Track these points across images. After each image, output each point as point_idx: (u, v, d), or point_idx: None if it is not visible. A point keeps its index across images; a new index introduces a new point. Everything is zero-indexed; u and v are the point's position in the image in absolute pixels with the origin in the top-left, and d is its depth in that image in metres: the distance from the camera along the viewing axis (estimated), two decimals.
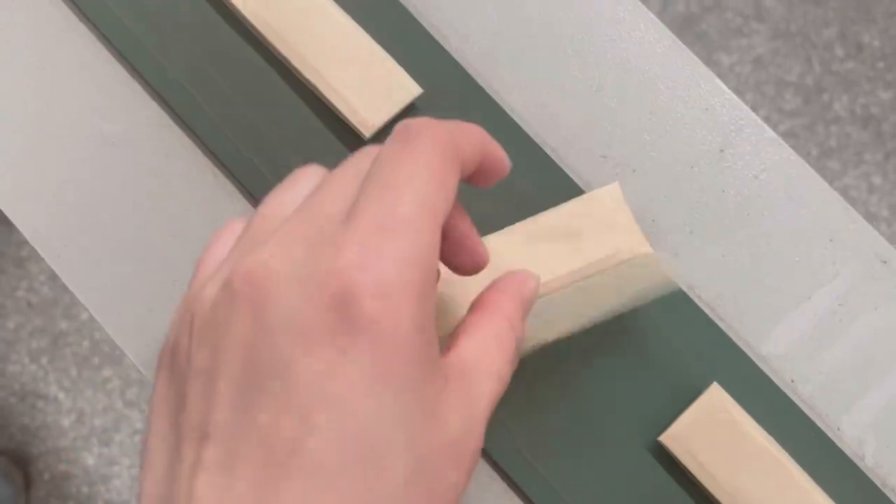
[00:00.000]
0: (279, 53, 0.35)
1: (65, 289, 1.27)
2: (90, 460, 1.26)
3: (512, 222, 0.34)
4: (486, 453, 0.34)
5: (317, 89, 0.35)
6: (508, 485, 0.33)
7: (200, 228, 0.35)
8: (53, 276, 1.30)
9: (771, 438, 0.33)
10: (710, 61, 1.37)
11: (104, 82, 0.36)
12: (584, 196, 0.34)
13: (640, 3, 0.37)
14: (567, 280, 0.32)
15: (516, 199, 0.35)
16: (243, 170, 0.35)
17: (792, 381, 0.34)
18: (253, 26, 0.35)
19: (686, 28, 1.36)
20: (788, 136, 1.35)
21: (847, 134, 1.40)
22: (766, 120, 1.40)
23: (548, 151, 0.36)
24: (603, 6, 0.37)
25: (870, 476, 0.33)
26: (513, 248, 0.32)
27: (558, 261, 0.32)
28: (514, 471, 0.33)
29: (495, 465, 0.33)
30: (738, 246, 0.35)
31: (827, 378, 0.34)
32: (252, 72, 0.36)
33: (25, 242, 1.28)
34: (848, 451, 0.34)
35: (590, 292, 0.32)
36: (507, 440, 0.33)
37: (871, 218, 1.30)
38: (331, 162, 0.34)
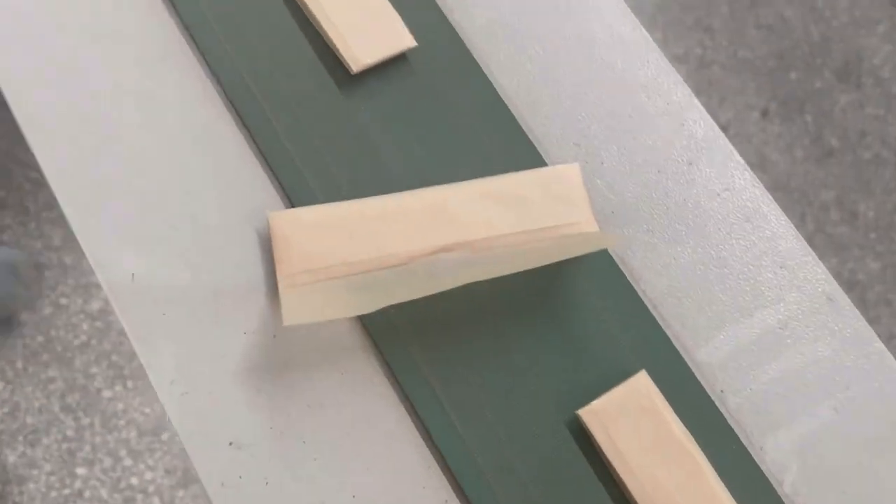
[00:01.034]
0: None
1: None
2: (11, 458, 1.21)
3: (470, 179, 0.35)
4: (408, 401, 0.33)
5: (318, 22, 0.36)
6: (414, 423, 0.32)
7: (190, 146, 0.36)
8: None
9: (689, 435, 0.32)
10: None
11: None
12: (543, 168, 0.35)
13: (642, 29, 0.39)
14: (506, 241, 0.33)
15: (481, 161, 0.36)
16: (236, 87, 0.36)
17: (721, 392, 0.34)
18: None
19: None
20: None
21: None
22: None
23: (525, 129, 0.37)
24: (607, 19, 0.39)
25: (785, 502, 0.32)
26: (463, 202, 0.33)
27: (503, 221, 0.33)
28: (423, 408, 0.32)
29: (414, 414, 0.33)
30: (691, 253, 0.36)
31: (757, 396, 0.34)
32: (264, 1, 0.37)
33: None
34: (768, 473, 0.33)
35: (524, 256, 0.33)
36: (419, 378, 0.32)
37: None
38: (315, 90, 0.36)
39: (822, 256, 1.42)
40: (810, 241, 1.42)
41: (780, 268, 0.36)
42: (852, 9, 1.55)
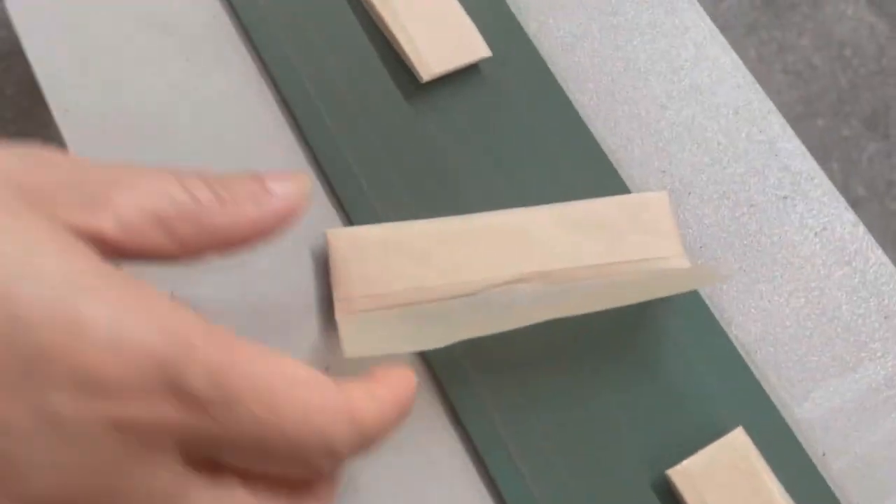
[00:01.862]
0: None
1: None
2: None
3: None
4: (473, 449, 0.29)
5: (386, 26, 0.33)
6: (479, 472, 0.29)
7: (242, 154, 0.32)
8: None
9: (791, 501, 0.28)
10: None
11: None
12: (629, 195, 0.32)
13: (729, 47, 0.36)
14: (589, 273, 0.30)
15: (557, 182, 0.32)
16: (293, 86, 0.33)
17: (823, 455, 0.30)
18: None
19: None
20: None
21: None
22: None
23: (605, 151, 0.34)
24: (696, 38, 0.36)
25: None
26: (542, 227, 0.30)
27: (586, 251, 0.30)
28: (489, 457, 0.28)
29: (479, 462, 0.29)
30: (788, 296, 0.32)
31: (862, 460, 0.30)
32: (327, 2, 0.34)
33: None
34: None
35: (608, 291, 0.29)
36: (486, 423, 0.29)
37: None
38: (380, 98, 0.32)
39: None
40: None
41: (885, 318, 0.32)
42: (880, 58, 1.54)
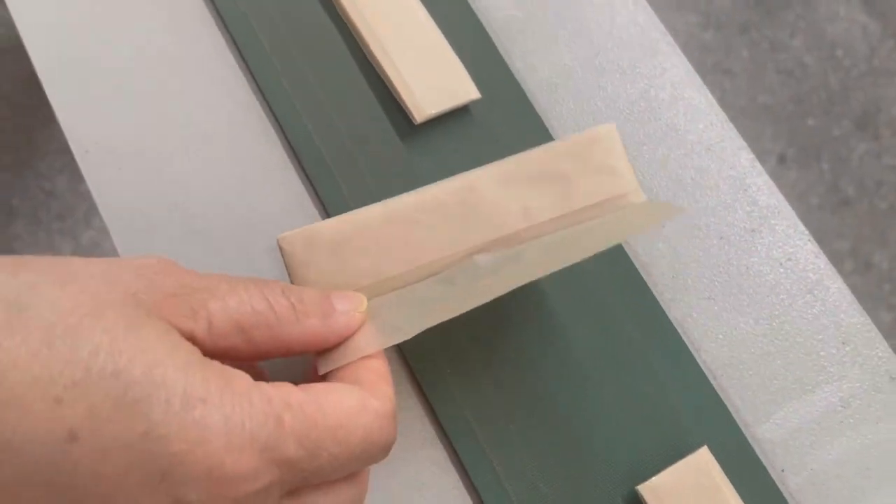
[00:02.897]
0: (356, 31, 0.36)
1: None
2: None
3: None
4: (460, 465, 0.32)
5: (383, 70, 0.35)
6: (467, 489, 0.31)
7: (244, 189, 0.35)
8: None
9: None
10: None
11: (192, 26, 0.37)
12: (574, 135, 0.30)
13: (704, 87, 0.39)
14: (547, 228, 0.29)
15: None
16: (292, 125, 0.35)
17: (782, 471, 0.33)
18: (341, 6, 0.36)
19: None
20: None
21: None
22: None
23: None
24: (673, 79, 0.38)
25: None
26: (490, 190, 0.29)
27: (540, 206, 0.29)
28: (479, 480, 0.31)
29: (465, 477, 0.32)
30: (753, 323, 0.35)
31: (818, 477, 0.33)
32: (326, 44, 0.37)
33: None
34: None
35: (570, 241, 0.28)
36: (474, 445, 0.31)
37: None
38: (376, 138, 0.35)
39: None
40: None
41: (843, 343, 0.35)
42: (872, 58, 1.56)
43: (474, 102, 0.36)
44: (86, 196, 1.29)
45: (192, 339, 0.23)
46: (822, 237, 1.44)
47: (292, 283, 0.28)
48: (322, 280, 0.28)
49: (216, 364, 0.22)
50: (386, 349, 0.27)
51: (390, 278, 0.28)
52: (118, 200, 0.34)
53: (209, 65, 0.37)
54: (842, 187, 1.49)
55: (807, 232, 0.37)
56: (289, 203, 0.35)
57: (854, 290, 1.48)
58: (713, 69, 1.50)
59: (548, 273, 0.27)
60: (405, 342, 0.32)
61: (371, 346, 0.26)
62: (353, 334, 0.26)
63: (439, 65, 0.36)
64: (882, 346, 0.35)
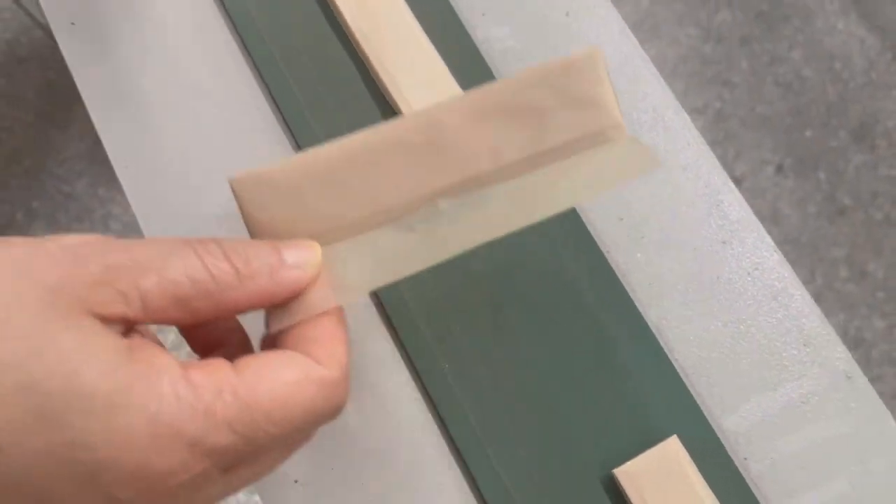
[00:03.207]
0: (363, 53, 0.40)
1: None
2: None
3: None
4: (456, 450, 0.36)
5: (386, 89, 0.39)
6: (462, 472, 0.35)
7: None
8: None
9: (715, 499, 0.35)
10: None
11: (213, 38, 0.41)
12: (552, 60, 0.27)
13: (683, 112, 0.42)
14: (518, 169, 0.26)
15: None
16: (298, 123, 0.39)
17: (745, 459, 0.37)
18: (351, 31, 0.40)
19: None
20: None
21: None
22: None
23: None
24: (653, 102, 0.42)
25: None
26: (458, 125, 0.26)
27: (510, 145, 0.26)
28: (472, 462, 0.35)
29: (461, 462, 0.35)
30: (722, 326, 0.39)
31: (777, 466, 0.37)
32: (336, 61, 0.41)
33: None
34: None
35: (540, 190, 0.26)
36: (470, 430, 0.35)
37: None
38: None
39: (829, 313, 1.44)
40: (818, 296, 1.45)
41: (804, 345, 0.39)
42: (870, 71, 1.59)
43: None
44: (103, 199, 1.33)
45: (125, 321, 0.22)
46: (818, 245, 1.47)
47: (247, 226, 0.26)
48: (277, 224, 0.26)
49: (142, 361, 0.21)
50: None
51: (349, 223, 0.26)
52: (156, 211, 0.38)
53: (239, 95, 0.41)
54: (838, 197, 1.52)
55: (773, 244, 0.40)
56: None
57: (849, 297, 1.51)
58: (713, 80, 1.54)
59: (514, 229, 0.25)
60: (409, 343, 0.36)
61: (324, 303, 0.24)
62: (305, 289, 0.24)
63: (437, 85, 0.40)
64: (840, 348, 0.39)
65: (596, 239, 0.39)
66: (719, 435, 0.37)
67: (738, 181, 1.52)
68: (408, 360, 0.37)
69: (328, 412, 0.23)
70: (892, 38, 1.59)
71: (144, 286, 0.22)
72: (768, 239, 0.41)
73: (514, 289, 0.38)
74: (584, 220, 0.40)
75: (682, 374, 0.38)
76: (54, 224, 1.34)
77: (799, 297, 0.40)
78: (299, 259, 0.24)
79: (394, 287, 0.37)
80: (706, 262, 0.40)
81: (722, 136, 1.53)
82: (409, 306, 0.37)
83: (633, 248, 0.40)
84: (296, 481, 0.34)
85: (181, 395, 0.21)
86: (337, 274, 0.25)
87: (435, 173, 0.26)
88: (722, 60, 1.57)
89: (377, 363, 0.37)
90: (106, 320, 0.21)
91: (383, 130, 0.26)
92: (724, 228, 0.40)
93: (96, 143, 1.35)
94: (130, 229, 1.29)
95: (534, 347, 0.37)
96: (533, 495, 0.35)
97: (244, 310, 0.24)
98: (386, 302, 0.37)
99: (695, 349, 0.38)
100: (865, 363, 1.42)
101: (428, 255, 0.25)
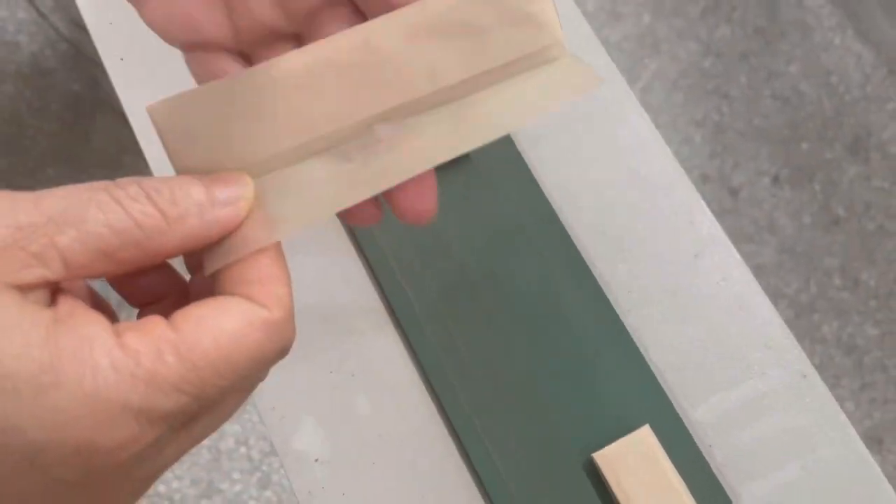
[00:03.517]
0: None
1: None
2: None
3: (479, 217, 0.43)
4: (459, 441, 0.41)
5: None
6: (460, 454, 0.40)
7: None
8: None
9: (682, 482, 0.40)
10: None
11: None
12: None
13: (665, 146, 0.48)
14: (457, 92, 0.25)
15: (519, 240, 0.44)
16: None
17: (710, 447, 0.42)
18: None
19: None
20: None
21: (830, 356, 1.48)
22: None
23: (561, 219, 0.45)
24: (634, 127, 0.48)
25: None
26: (391, 46, 0.24)
27: (447, 66, 0.25)
28: (469, 445, 0.40)
29: (452, 430, 0.41)
30: (693, 330, 0.44)
31: (739, 452, 0.42)
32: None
33: None
34: None
35: (479, 111, 0.25)
36: (468, 419, 0.41)
37: None
38: None
39: (823, 320, 1.49)
40: (812, 304, 1.49)
41: (766, 348, 0.44)
42: (865, 85, 1.63)
43: (475, 151, 0.45)
44: None
45: (46, 284, 0.20)
46: (812, 254, 1.52)
47: (170, 159, 0.24)
48: (202, 155, 0.24)
49: (69, 332, 0.19)
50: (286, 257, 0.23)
51: (281, 152, 0.25)
52: None
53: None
54: (833, 207, 1.56)
55: (740, 258, 0.45)
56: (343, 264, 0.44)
57: (842, 304, 1.55)
58: (712, 93, 1.58)
59: (456, 154, 0.24)
60: (415, 343, 0.42)
61: (260, 239, 0.23)
62: (239, 227, 0.23)
63: None
64: (797, 350, 0.44)
65: (581, 251, 0.44)
66: (687, 425, 0.42)
67: (735, 191, 1.56)
68: (414, 357, 0.42)
69: (276, 354, 0.22)
70: (886, 53, 1.63)
71: (62, 243, 0.20)
72: (736, 254, 0.46)
73: (507, 297, 0.43)
74: (570, 234, 0.45)
75: (655, 372, 0.43)
76: None
77: (763, 306, 0.45)
78: (231, 195, 0.23)
79: (403, 292, 0.42)
80: (680, 273, 0.45)
81: (720, 147, 1.58)
82: (415, 310, 0.42)
83: (615, 259, 0.45)
84: (316, 460, 0.39)
85: (118, 364, 0.19)
86: (272, 208, 0.24)
87: (370, 97, 0.25)
88: (721, 74, 1.62)
89: (387, 359, 0.42)
90: (24, 288, 0.19)
91: (311, 50, 0.25)
92: (697, 242, 0.46)
93: (118, 151, 1.40)
94: None
95: (524, 348, 0.42)
96: (522, 474, 0.40)
97: (175, 254, 0.22)
98: (395, 305, 0.42)
99: (668, 350, 0.43)
100: (858, 369, 1.46)
101: (366, 186, 0.24)
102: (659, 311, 0.44)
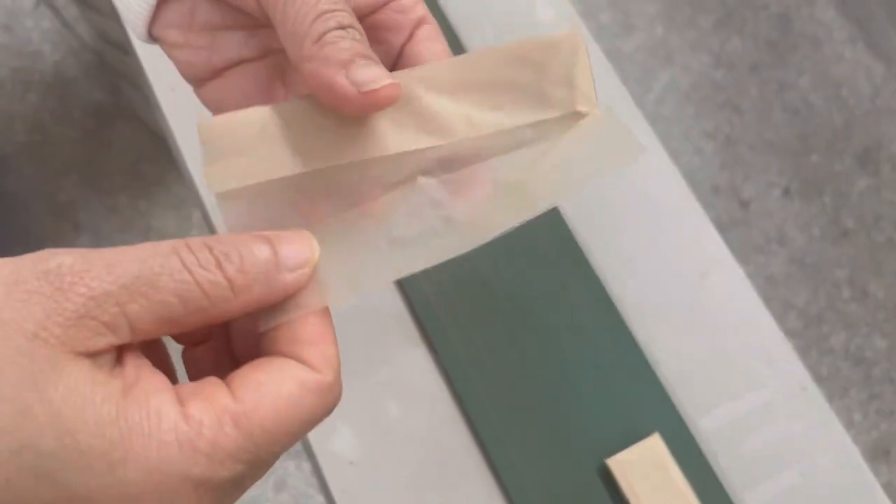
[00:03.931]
0: None
1: None
2: None
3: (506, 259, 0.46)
4: (481, 443, 0.44)
5: None
6: (483, 457, 0.44)
7: None
8: None
9: (690, 488, 0.43)
10: None
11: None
12: (529, 39, 0.26)
13: (674, 167, 0.51)
14: (495, 141, 0.25)
15: (541, 269, 0.47)
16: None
17: (715, 453, 0.45)
18: None
19: None
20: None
21: (838, 367, 1.49)
22: None
23: (580, 245, 0.48)
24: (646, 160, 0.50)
25: None
26: (431, 98, 0.25)
27: (484, 117, 0.25)
28: (492, 448, 0.43)
29: (475, 434, 0.44)
30: (700, 344, 0.47)
31: (742, 459, 0.45)
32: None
33: None
34: None
35: (527, 184, 0.25)
36: (489, 422, 0.44)
37: None
38: None
39: (831, 331, 1.50)
40: (821, 315, 1.51)
41: (768, 361, 0.47)
42: (875, 98, 1.64)
43: None
44: (143, 212, 1.42)
45: (112, 349, 0.21)
46: (821, 266, 1.53)
47: (205, 174, 0.25)
48: (244, 170, 0.24)
49: (136, 405, 0.20)
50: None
51: (321, 171, 0.25)
52: None
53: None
54: (842, 220, 1.58)
55: (745, 276, 0.48)
56: None
57: (851, 316, 1.57)
58: (724, 106, 1.61)
59: (505, 230, 0.24)
60: (442, 353, 0.45)
61: (314, 304, 0.23)
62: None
63: None
64: (798, 363, 0.47)
65: (595, 270, 0.47)
66: (694, 433, 0.45)
67: (745, 203, 1.58)
68: (441, 367, 0.45)
69: (325, 414, 0.23)
70: None
71: (132, 312, 0.20)
72: (741, 271, 0.49)
73: (527, 311, 0.46)
74: (584, 252, 0.48)
75: (664, 383, 0.46)
76: (98, 235, 1.42)
77: (765, 322, 0.47)
78: (298, 260, 0.23)
79: (431, 306, 0.45)
80: (687, 290, 0.48)
81: (731, 159, 1.59)
82: (443, 323, 0.45)
83: (626, 277, 0.48)
84: (351, 462, 0.42)
85: (182, 439, 0.20)
86: (326, 269, 0.24)
87: (411, 132, 0.25)
88: (732, 87, 1.64)
89: (415, 368, 0.45)
90: (93, 355, 0.20)
91: None
92: (704, 261, 0.49)
93: (138, 159, 1.43)
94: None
95: (543, 360, 0.45)
96: (541, 476, 0.43)
97: (237, 318, 0.22)
98: (423, 319, 0.46)
99: (675, 362, 0.46)
100: (866, 381, 1.48)
101: (423, 260, 0.25)
102: (668, 326, 0.47)
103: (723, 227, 1.53)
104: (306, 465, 1.18)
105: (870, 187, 1.58)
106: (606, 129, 0.25)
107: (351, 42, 0.23)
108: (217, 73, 0.27)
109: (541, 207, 0.24)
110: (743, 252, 1.51)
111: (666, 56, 1.64)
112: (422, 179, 0.25)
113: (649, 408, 0.45)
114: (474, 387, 0.44)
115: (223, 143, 0.24)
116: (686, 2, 1.69)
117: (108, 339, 0.20)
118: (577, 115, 0.25)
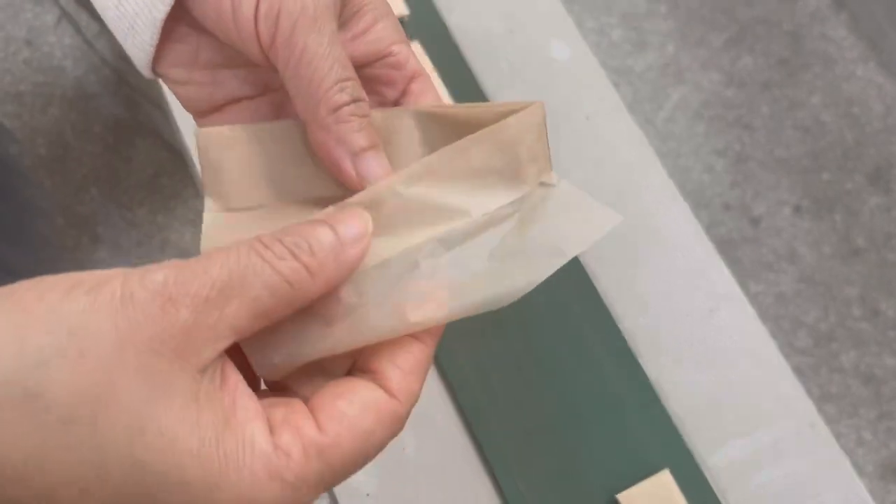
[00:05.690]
0: None
1: None
2: None
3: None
4: (490, 471, 0.45)
5: None
6: (495, 489, 0.45)
7: None
8: None
9: None
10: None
11: None
12: (499, 107, 0.26)
13: (685, 204, 0.52)
14: (483, 219, 0.26)
15: (548, 299, 0.48)
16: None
17: (724, 490, 0.46)
18: None
19: (723, 251, 1.51)
20: (793, 370, 1.46)
21: (848, 385, 1.49)
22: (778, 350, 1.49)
23: (593, 281, 0.49)
24: (657, 195, 0.52)
25: None
26: (405, 193, 0.25)
27: (465, 200, 0.26)
28: (504, 481, 0.44)
29: (494, 481, 0.45)
30: (709, 380, 0.48)
31: (751, 496, 0.46)
32: None
33: None
34: None
35: (520, 254, 0.26)
36: (503, 458, 0.45)
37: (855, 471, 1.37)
38: None
39: (840, 349, 1.51)
40: (831, 333, 1.51)
41: (776, 399, 0.48)
42: (887, 116, 1.64)
43: None
44: (161, 226, 1.44)
45: (219, 357, 0.22)
46: (832, 284, 1.54)
47: (203, 181, 0.26)
48: (234, 186, 0.26)
49: (232, 435, 0.21)
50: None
51: (312, 199, 0.27)
52: None
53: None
54: (853, 238, 1.58)
55: (754, 313, 0.49)
56: None
57: (861, 335, 1.57)
58: (735, 123, 1.61)
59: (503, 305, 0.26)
60: (457, 386, 0.46)
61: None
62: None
63: None
64: (806, 401, 0.48)
65: (608, 307, 0.49)
66: (703, 469, 0.46)
67: (756, 221, 1.58)
68: (455, 401, 0.46)
69: (388, 441, 0.24)
70: None
71: (230, 313, 0.21)
72: (749, 308, 0.50)
73: (539, 346, 0.48)
74: (597, 289, 0.49)
75: (674, 419, 0.47)
76: (117, 248, 1.44)
77: (774, 359, 0.48)
78: (356, 232, 0.24)
79: (445, 340, 0.47)
80: (697, 327, 0.49)
81: (741, 177, 1.60)
82: (458, 357, 0.47)
83: (638, 314, 0.49)
84: (367, 494, 0.43)
85: (272, 470, 0.21)
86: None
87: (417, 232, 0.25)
88: (743, 104, 1.64)
89: (431, 400, 0.46)
90: (204, 369, 0.21)
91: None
92: (712, 297, 0.50)
93: (156, 174, 1.45)
94: (185, 255, 1.38)
95: (554, 394, 0.46)
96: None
97: (313, 302, 0.23)
98: (438, 353, 0.47)
99: (686, 398, 0.47)
100: (876, 399, 1.48)
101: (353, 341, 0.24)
102: (677, 362, 0.48)
103: (733, 245, 1.54)
104: (324, 499, 1.18)
105: (881, 206, 1.58)
106: (576, 203, 0.27)
107: (360, 122, 0.25)
108: (218, 107, 0.29)
109: (533, 284, 0.26)
110: (753, 270, 1.52)
111: (677, 74, 1.65)
112: (423, 262, 0.25)
113: (659, 443, 0.46)
114: (487, 421, 0.46)
115: (217, 154, 0.26)
116: (698, 20, 1.70)
117: (215, 347, 0.21)
118: (544, 186, 0.26)
